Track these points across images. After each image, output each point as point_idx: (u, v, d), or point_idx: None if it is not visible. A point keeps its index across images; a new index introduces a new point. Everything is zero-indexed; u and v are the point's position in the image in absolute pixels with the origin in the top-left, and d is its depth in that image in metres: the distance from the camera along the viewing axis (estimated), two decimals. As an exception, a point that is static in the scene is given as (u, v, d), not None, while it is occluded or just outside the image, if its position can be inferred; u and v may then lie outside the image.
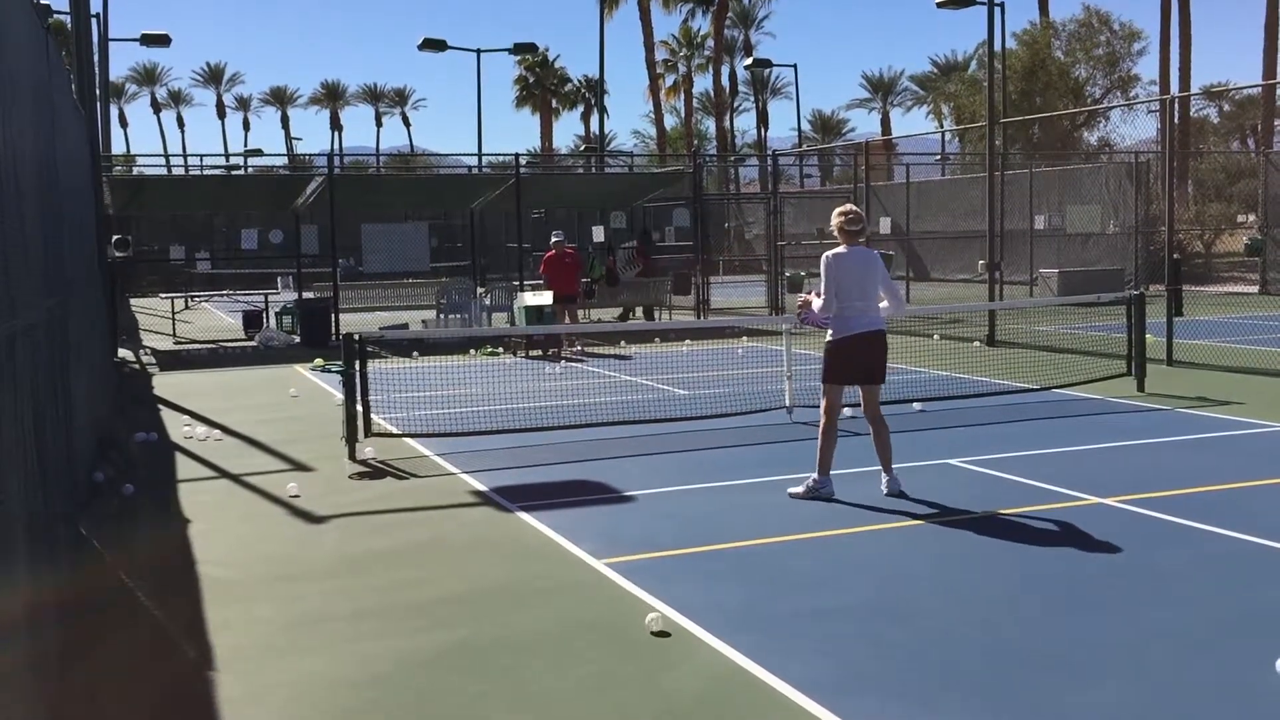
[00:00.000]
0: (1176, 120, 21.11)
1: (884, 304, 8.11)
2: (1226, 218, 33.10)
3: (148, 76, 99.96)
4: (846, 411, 8.93)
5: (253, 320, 22.43)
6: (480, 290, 22.76)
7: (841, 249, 8.01)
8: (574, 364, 16.72)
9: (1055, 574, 6.33)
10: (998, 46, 23.68)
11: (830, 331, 8.07)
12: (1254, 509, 7.57)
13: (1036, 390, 12.71)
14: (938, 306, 21.39)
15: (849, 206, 8.14)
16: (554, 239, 18.85)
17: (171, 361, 18.61)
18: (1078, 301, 18.70)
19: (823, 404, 8.13)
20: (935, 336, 18.82)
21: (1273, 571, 6.30)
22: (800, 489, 8.06)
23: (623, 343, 19.05)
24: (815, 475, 8.04)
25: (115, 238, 19.60)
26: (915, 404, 11.78)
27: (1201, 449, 9.68)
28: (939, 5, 20.91)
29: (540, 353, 17.73)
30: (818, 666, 5.05)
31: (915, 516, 7.54)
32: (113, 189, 22.08)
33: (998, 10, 20.70)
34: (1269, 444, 9.85)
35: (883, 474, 8.12)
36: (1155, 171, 27.00)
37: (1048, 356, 15.45)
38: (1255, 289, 27.05)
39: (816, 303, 8.13)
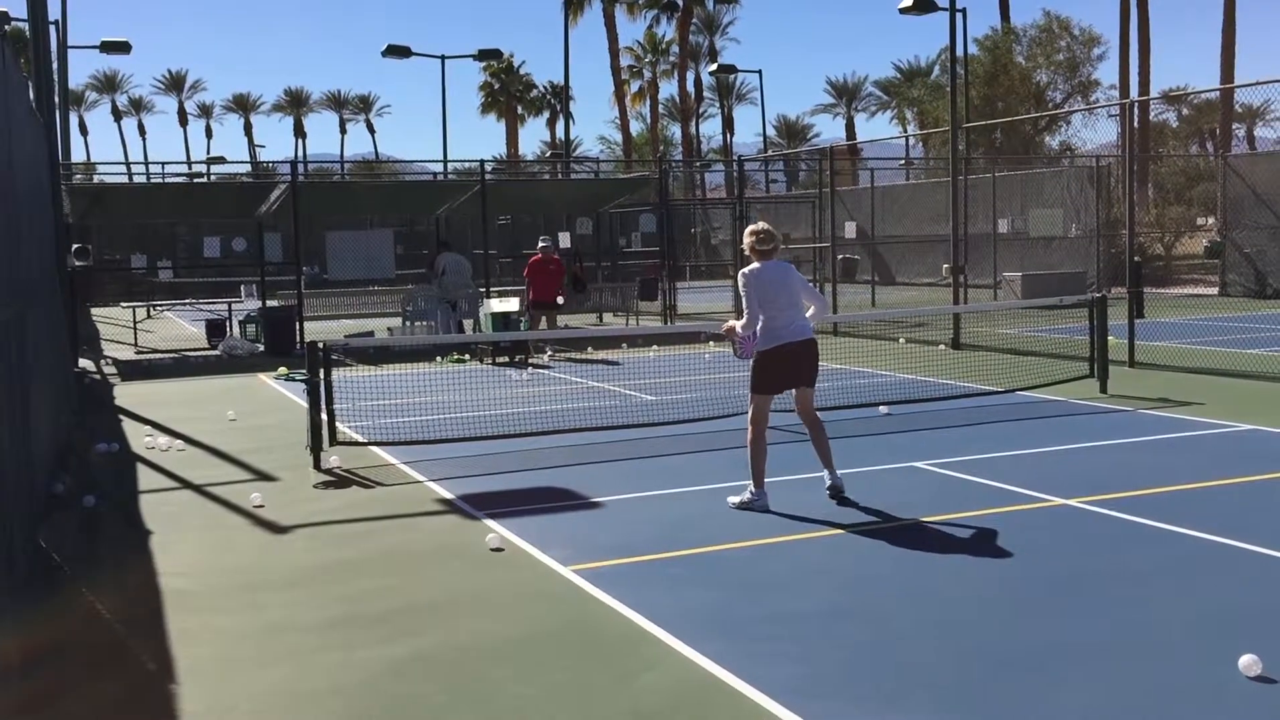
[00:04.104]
0: (1136, 124, 21.34)
1: (810, 309, 8.09)
2: (1186, 221, 33.48)
3: (108, 84, 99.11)
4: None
5: (216, 329, 22.21)
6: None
7: (756, 265, 7.96)
8: (541, 370, 16.68)
9: (1021, 576, 6.36)
10: (960, 52, 23.84)
11: (759, 342, 7.96)
12: (1217, 508, 7.64)
13: (1001, 392, 12.79)
14: (903, 310, 21.51)
15: (760, 226, 8.07)
16: (541, 244, 18.76)
17: (133, 371, 18.41)
18: (1041, 304, 18.82)
19: (750, 414, 8.04)
20: (900, 340, 18.93)
21: (1236, 570, 6.36)
22: (738, 499, 8.01)
23: (590, 349, 19.02)
24: (751, 487, 7.98)
25: (75, 246, 19.41)
26: (881, 407, 11.83)
27: (1164, 449, 9.77)
28: (902, 11, 21.01)
29: (507, 359, 17.68)
30: (786, 670, 5.05)
31: (881, 520, 7.56)
32: (73, 197, 21.81)
33: (960, 16, 20.86)
34: (1230, 444, 9.95)
35: (825, 473, 8.10)
36: (1116, 175, 27.26)
37: (1012, 359, 15.55)
38: (1215, 291, 27.36)
39: (739, 324, 8.04)
